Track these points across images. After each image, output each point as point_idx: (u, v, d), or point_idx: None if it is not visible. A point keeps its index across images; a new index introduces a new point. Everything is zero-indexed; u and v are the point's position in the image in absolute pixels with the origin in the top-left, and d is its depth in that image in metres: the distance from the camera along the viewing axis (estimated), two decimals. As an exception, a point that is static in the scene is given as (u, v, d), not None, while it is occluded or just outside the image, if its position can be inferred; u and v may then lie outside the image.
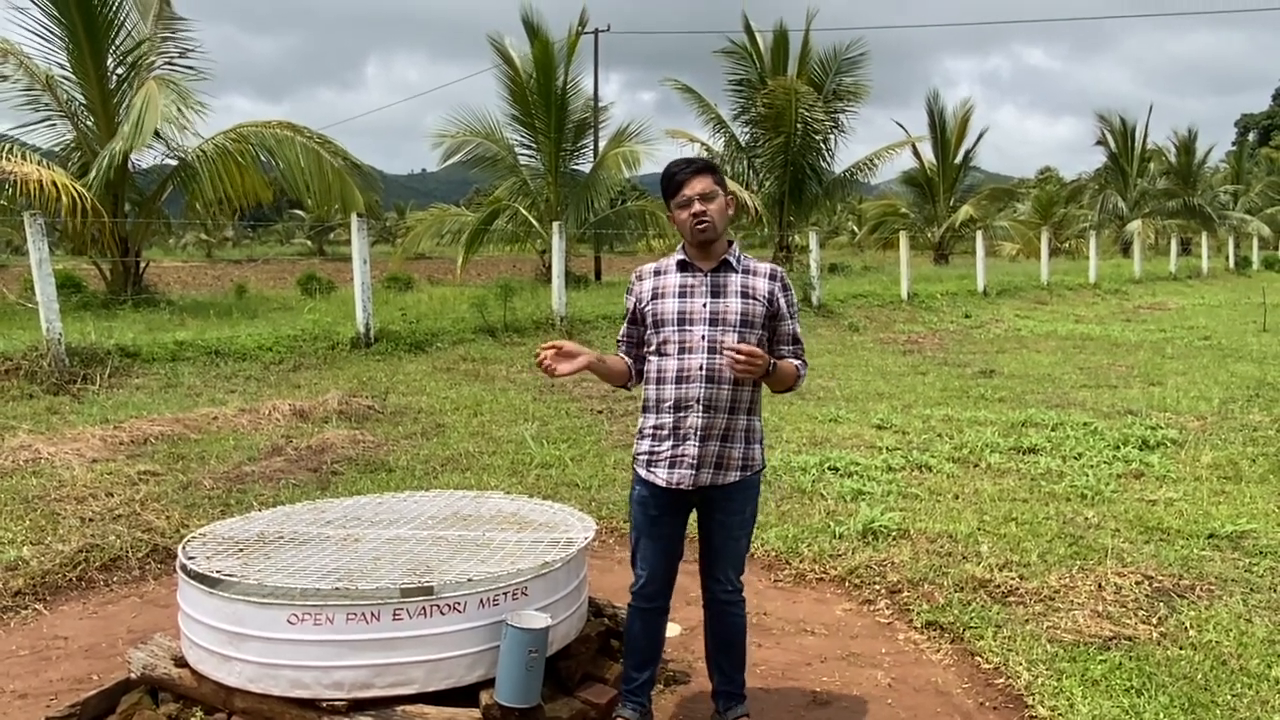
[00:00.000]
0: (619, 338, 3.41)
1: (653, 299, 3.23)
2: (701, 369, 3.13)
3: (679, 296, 3.19)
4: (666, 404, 3.19)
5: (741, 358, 3.00)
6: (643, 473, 3.27)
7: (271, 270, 36.42)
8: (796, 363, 3.27)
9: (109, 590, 4.92)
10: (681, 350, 3.17)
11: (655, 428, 3.23)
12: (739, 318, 3.15)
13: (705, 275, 3.20)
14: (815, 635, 4.34)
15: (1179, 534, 5.33)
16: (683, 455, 3.18)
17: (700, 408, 3.15)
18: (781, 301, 3.24)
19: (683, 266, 3.23)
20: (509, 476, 6.65)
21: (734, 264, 3.22)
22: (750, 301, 3.18)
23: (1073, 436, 7.66)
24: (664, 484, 3.21)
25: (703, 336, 3.14)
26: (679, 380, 3.16)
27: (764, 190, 26.41)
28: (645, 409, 3.28)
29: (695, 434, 3.16)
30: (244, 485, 6.38)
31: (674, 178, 3.19)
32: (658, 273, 3.28)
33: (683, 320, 3.17)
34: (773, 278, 3.25)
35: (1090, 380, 10.70)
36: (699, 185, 3.15)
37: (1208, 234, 35.23)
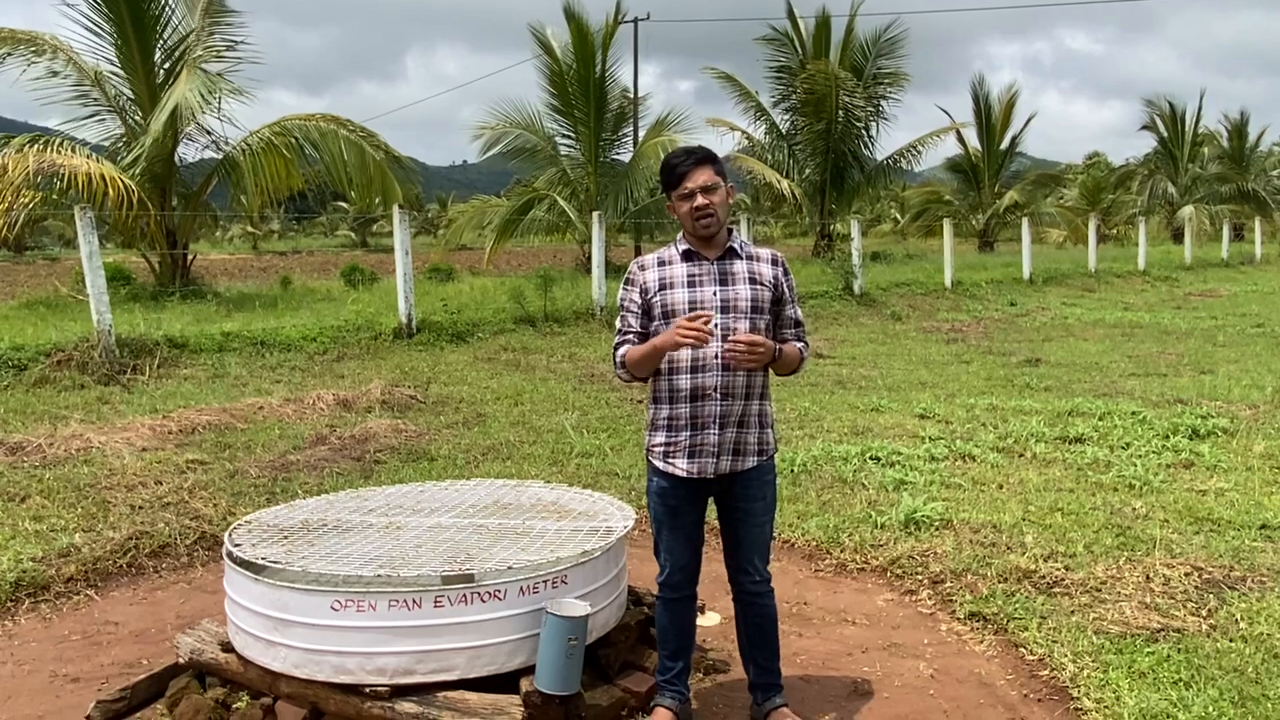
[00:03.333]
0: (621, 331, 3.27)
1: (660, 290, 3.19)
2: (717, 357, 3.11)
3: (688, 286, 3.17)
4: (682, 394, 3.18)
5: (742, 348, 3.00)
6: (660, 464, 3.27)
7: (315, 262, 36.84)
8: (800, 345, 3.28)
9: (158, 577, 5.02)
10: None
11: (670, 418, 3.22)
12: (749, 304, 3.16)
13: (712, 263, 3.20)
14: (856, 625, 4.32)
15: (1230, 525, 5.23)
16: (702, 444, 3.18)
17: (718, 396, 3.15)
18: (784, 286, 3.26)
19: (688, 256, 3.21)
20: (549, 465, 6.68)
21: (739, 250, 3.22)
22: (758, 287, 3.19)
23: (1121, 426, 7.54)
24: (685, 474, 3.21)
25: (716, 325, 3.12)
26: (694, 370, 3.14)
27: (805, 178, 26.25)
28: (657, 400, 3.26)
29: (714, 422, 3.16)
30: (289, 474, 6.47)
31: (675, 169, 3.18)
32: (661, 263, 3.24)
33: (694, 309, 3.14)
34: (775, 263, 3.27)
35: (1139, 369, 10.51)
36: (701, 177, 3.13)
37: (1261, 219, 34.43)
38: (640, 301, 3.23)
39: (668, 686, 3.41)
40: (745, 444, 3.22)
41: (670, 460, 3.23)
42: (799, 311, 3.33)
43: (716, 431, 3.16)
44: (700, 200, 3.12)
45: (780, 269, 3.27)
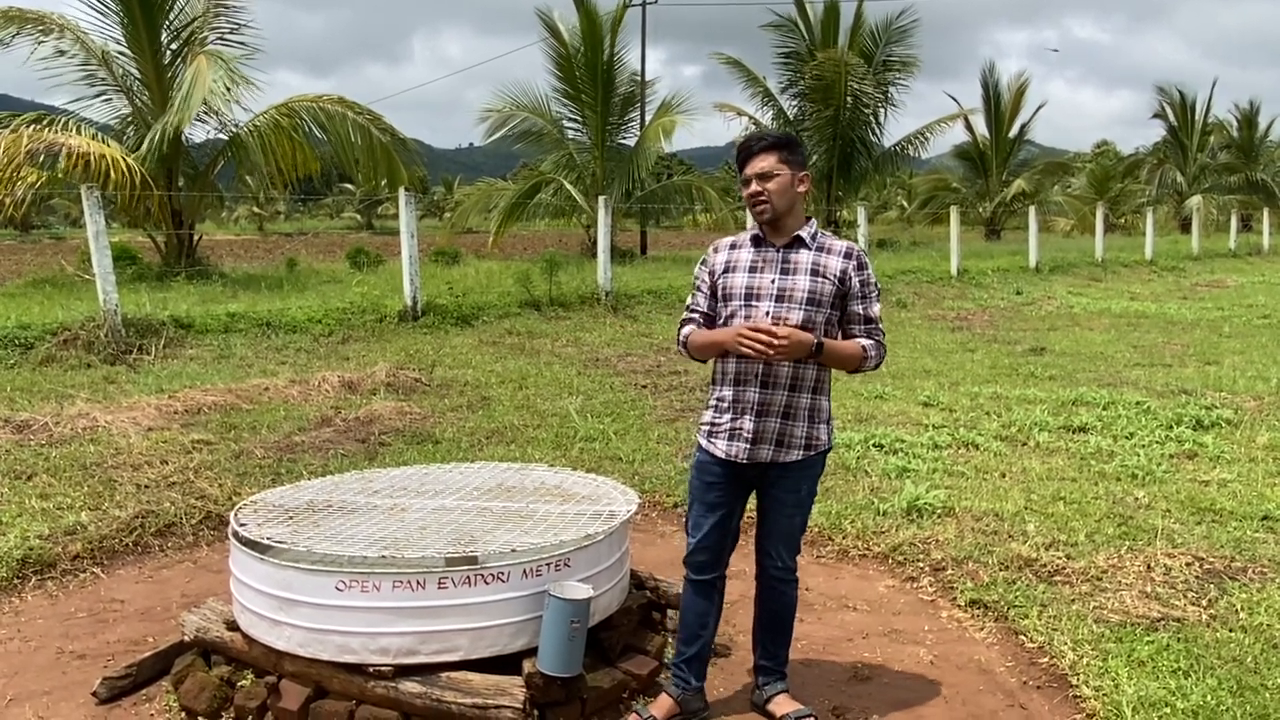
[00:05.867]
0: (689, 308, 3.33)
1: (724, 273, 3.23)
2: None
3: (749, 271, 3.18)
4: (729, 377, 3.20)
5: (761, 340, 2.95)
6: (704, 442, 3.30)
7: (321, 243, 36.85)
8: (866, 342, 3.18)
9: (164, 555, 5.05)
10: None
11: (718, 400, 3.25)
12: (805, 295, 3.12)
13: (777, 251, 3.18)
14: (857, 611, 4.33)
15: (1232, 515, 5.24)
16: (739, 429, 3.18)
17: (758, 383, 3.14)
18: (855, 281, 3.17)
19: (756, 241, 3.22)
20: (553, 449, 6.70)
21: (807, 240, 3.18)
22: (819, 280, 3.13)
23: (1124, 416, 7.54)
24: (722, 455, 3.22)
25: (767, 313, 3.11)
26: (740, 355, 3.14)
27: (811, 164, 26.16)
28: (713, 381, 3.30)
29: (751, 409, 3.15)
30: (294, 455, 6.49)
31: (740, 153, 3.18)
32: (733, 246, 3.27)
33: (750, 296, 3.15)
34: (848, 256, 3.18)
35: (1144, 359, 10.50)
36: (760, 164, 3.12)
37: (1269, 210, 34.26)
38: (709, 282, 3.27)
39: (677, 673, 3.41)
40: (790, 436, 3.18)
41: (712, 440, 3.26)
42: (874, 309, 3.21)
43: (753, 418, 3.15)
44: (755, 187, 3.12)
45: (853, 263, 3.18)
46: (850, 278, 3.17)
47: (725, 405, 3.22)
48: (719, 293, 3.24)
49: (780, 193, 3.12)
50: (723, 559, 3.39)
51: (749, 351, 2.99)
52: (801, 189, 3.18)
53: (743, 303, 3.16)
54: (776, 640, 3.44)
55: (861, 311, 3.20)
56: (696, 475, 3.34)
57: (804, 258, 3.16)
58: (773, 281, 3.14)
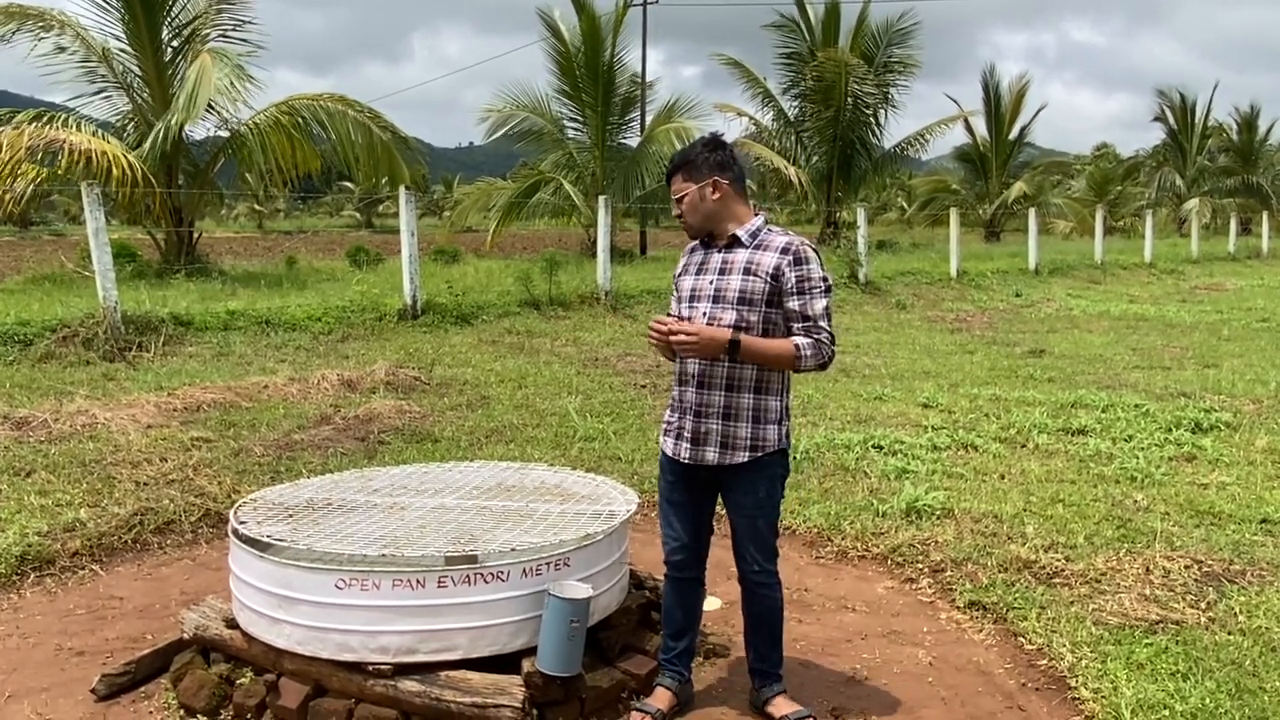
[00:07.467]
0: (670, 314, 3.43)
1: (679, 275, 3.34)
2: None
3: (695, 274, 3.26)
4: (676, 377, 3.31)
5: (658, 333, 3.08)
6: (661, 440, 3.39)
7: (321, 242, 36.84)
8: (801, 341, 3.07)
9: (163, 553, 5.05)
10: None
11: (672, 400, 3.34)
12: (737, 294, 3.13)
13: (718, 252, 3.23)
14: (856, 612, 4.33)
15: (1231, 518, 5.24)
16: (682, 429, 3.25)
17: (695, 384, 3.20)
18: (790, 277, 3.09)
19: (705, 244, 3.30)
20: (552, 449, 6.70)
21: (744, 240, 3.19)
22: (751, 278, 3.12)
23: (1124, 418, 7.53)
24: (669, 454, 3.31)
25: (704, 313, 3.16)
26: (681, 356, 3.21)
27: (812, 165, 26.17)
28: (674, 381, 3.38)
29: (691, 409, 3.21)
30: (293, 453, 6.49)
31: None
32: (692, 250, 3.36)
33: (692, 296, 3.23)
34: (784, 251, 3.11)
35: (1143, 361, 10.50)
36: (672, 189, 3.26)
37: (1268, 213, 34.29)
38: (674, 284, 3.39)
39: (668, 666, 3.44)
40: (734, 438, 3.17)
41: (665, 438, 3.35)
42: (815, 306, 3.09)
43: (693, 419, 3.21)
44: (675, 210, 3.28)
45: (789, 258, 3.09)
46: (784, 273, 3.09)
47: (675, 405, 3.30)
48: (676, 294, 3.35)
49: (691, 210, 3.22)
50: (701, 556, 3.43)
51: (650, 341, 3.14)
52: (715, 196, 3.18)
53: (687, 304, 3.24)
54: (766, 642, 3.43)
55: (798, 309, 3.10)
56: (661, 475, 3.42)
57: (739, 257, 3.18)
58: (711, 282, 3.19)
